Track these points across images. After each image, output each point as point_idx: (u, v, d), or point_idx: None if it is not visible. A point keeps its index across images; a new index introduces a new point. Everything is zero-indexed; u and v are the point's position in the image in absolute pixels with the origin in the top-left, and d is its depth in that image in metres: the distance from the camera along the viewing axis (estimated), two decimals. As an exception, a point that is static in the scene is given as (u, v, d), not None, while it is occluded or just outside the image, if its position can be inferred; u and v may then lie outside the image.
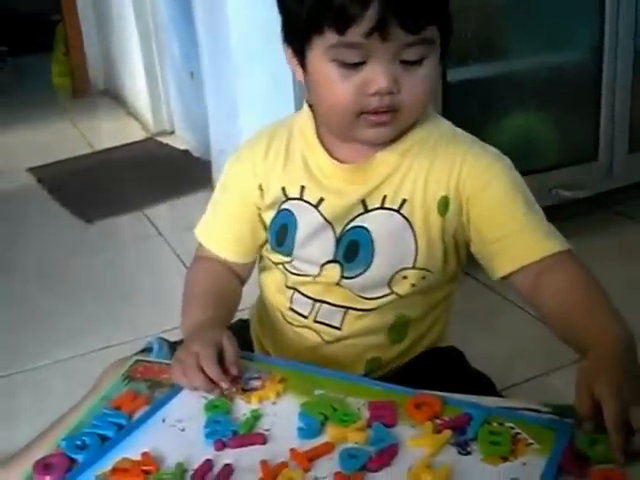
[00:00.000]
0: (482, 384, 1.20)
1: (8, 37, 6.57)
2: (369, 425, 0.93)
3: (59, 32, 5.72)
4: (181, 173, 3.60)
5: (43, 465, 0.91)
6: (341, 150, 1.17)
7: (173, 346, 1.26)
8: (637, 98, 2.52)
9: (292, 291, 1.23)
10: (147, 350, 1.22)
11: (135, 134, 4.40)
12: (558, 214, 2.53)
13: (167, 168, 3.73)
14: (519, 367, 1.84)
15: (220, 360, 1.04)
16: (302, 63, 1.11)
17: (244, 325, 1.36)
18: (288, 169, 1.21)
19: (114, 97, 5.31)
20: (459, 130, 1.22)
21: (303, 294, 1.22)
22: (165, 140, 4.19)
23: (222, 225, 1.29)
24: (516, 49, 2.36)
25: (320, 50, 1.05)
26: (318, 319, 1.21)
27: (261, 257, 1.30)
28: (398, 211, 1.14)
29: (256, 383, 1.04)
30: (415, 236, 1.14)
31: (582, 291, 1.06)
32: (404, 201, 1.14)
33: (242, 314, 1.38)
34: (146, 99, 4.36)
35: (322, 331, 1.21)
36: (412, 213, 1.13)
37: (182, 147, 3.97)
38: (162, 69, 4.23)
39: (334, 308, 1.20)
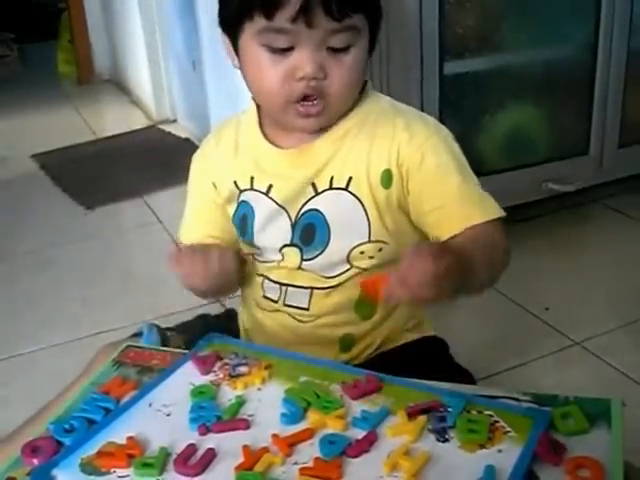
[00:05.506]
0: (462, 378, 1.21)
1: (14, 24, 6.55)
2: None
3: (64, 20, 5.71)
4: (182, 161, 3.58)
5: (31, 448, 0.92)
6: (283, 139, 1.20)
7: (163, 332, 1.28)
8: (629, 94, 2.53)
9: (262, 278, 1.26)
10: (138, 335, 1.24)
11: (138, 122, 4.39)
12: (549, 207, 2.58)
13: (168, 156, 3.72)
14: (501, 356, 1.86)
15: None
16: (235, 49, 1.15)
17: (232, 315, 1.38)
18: (238, 162, 1.24)
19: (118, 85, 5.31)
20: (399, 104, 1.24)
21: (271, 280, 1.25)
22: (167, 128, 4.19)
23: (199, 220, 1.32)
24: (512, 44, 2.36)
25: (250, 35, 1.09)
26: (287, 302, 1.24)
27: None
28: (346, 189, 1.17)
29: (243, 369, 1.06)
30: (366, 211, 1.16)
31: (479, 241, 1.09)
32: (350, 179, 1.17)
33: (232, 302, 1.40)
34: (149, 88, 4.36)
35: (293, 313, 1.24)
36: (359, 189, 1.16)
37: (184, 135, 3.97)
38: (165, 59, 4.23)
39: (300, 290, 1.22)
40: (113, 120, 4.75)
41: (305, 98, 1.10)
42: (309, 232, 1.19)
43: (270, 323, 1.27)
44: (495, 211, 1.14)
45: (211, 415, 0.95)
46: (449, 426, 0.91)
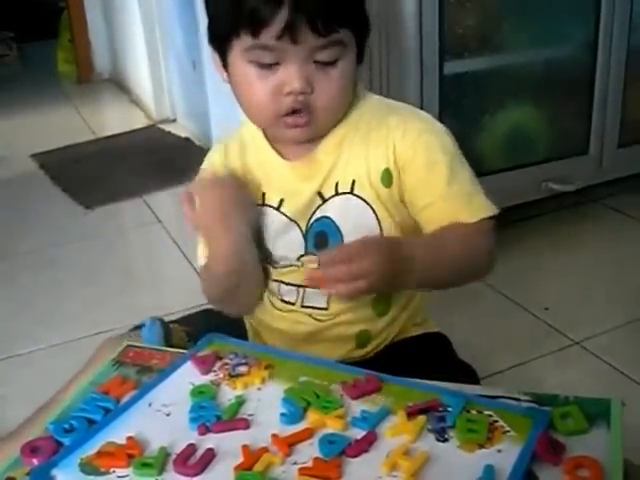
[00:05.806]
0: (465, 374, 1.22)
1: (14, 23, 6.55)
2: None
3: (64, 19, 5.72)
4: (182, 161, 3.59)
5: (30, 448, 0.92)
6: (288, 149, 1.21)
7: (167, 325, 1.28)
8: (629, 94, 2.52)
9: (277, 284, 1.26)
10: (140, 327, 1.24)
11: (138, 121, 4.40)
12: (548, 206, 2.58)
13: (168, 156, 3.72)
14: (501, 356, 1.86)
15: None
16: (225, 65, 1.15)
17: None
18: (248, 180, 1.23)
19: (118, 85, 5.31)
20: (392, 102, 1.25)
21: (287, 283, 1.25)
22: (167, 128, 4.19)
23: None
24: (512, 44, 2.35)
25: (238, 52, 1.10)
26: (305, 304, 1.24)
27: None
28: (352, 192, 1.17)
29: (242, 369, 1.06)
30: (374, 210, 1.17)
31: (453, 235, 1.12)
32: (354, 182, 1.17)
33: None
34: (149, 87, 4.36)
35: (311, 313, 1.24)
36: (363, 191, 1.17)
37: (184, 135, 3.97)
38: (165, 58, 4.24)
39: (318, 290, 1.22)
40: (113, 119, 4.77)
41: (293, 112, 1.11)
42: (322, 240, 1.20)
43: (284, 322, 1.27)
44: (483, 210, 1.14)
45: (211, 415, 0.95)
46: (448, 426, 0.91)
